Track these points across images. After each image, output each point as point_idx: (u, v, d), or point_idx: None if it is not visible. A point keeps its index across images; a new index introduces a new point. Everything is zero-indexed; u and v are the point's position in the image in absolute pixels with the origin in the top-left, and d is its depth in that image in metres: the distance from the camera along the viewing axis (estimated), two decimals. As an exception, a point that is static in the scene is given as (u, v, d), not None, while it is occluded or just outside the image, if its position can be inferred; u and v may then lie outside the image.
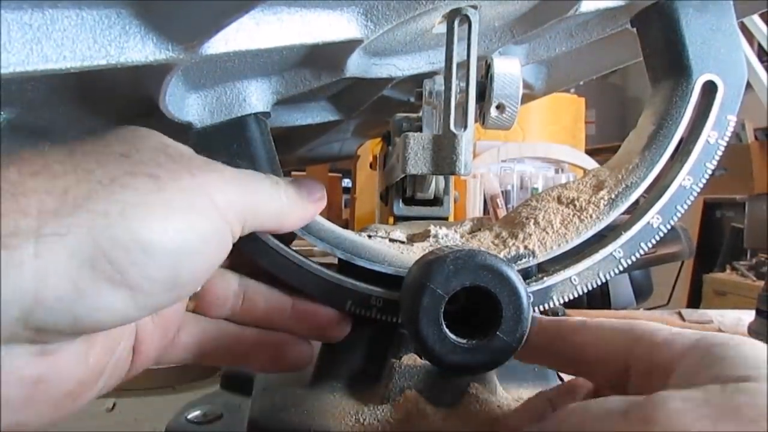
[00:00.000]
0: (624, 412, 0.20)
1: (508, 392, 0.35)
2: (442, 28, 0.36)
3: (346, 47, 0.31)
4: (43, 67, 0.20)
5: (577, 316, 0.31)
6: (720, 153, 0.36)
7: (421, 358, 0.36)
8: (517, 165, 1.04)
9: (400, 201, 0.54)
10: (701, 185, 0.36)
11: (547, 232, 0.37)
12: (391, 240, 0.40)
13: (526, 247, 0.36)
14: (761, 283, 1.25)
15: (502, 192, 0.98)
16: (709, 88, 0.36)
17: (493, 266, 0.30)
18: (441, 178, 0.52)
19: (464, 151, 0.34)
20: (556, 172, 1.07)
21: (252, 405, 0.36)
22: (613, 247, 0.36)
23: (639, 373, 0.25)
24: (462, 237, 0.39)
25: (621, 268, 0.36)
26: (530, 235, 0.37)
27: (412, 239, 0.41)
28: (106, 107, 0.32)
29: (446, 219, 0.53)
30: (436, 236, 0.39)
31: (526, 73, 0.54)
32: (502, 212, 0.91)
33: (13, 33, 0.20)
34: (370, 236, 0.39)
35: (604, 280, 0.36)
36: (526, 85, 0.55)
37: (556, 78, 0.56)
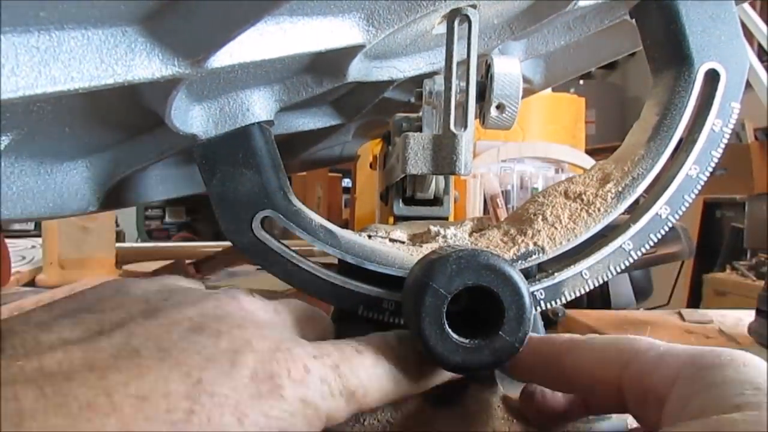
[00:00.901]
0: None
1: (508, 392, 0.35)
2: (442, 29, 0.36)
3: (349, 53, 0.31)
4: (51, 90, 0.20)
5: (565, 334, 0.30)
6: (725, 141, 0.36)
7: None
8: (517, 165, 1.03)
9: (400, 201, 0.54)
10: (707, 174, 0.36)
11: (555, 228, 0.37)
12: (392, 240, 0.40)
13: (535, 244, 0.36)
14: (761, 283, 1.25)
15: (502, 192, 0.98)
16: (712, 77, 0.36)
17: (496, 266, 0.30)
18: (441, 178, 0.52)
19: (464, 150, 0.34)
20: (556, 171, 1.07)
21: None
22: (623, 240, 0.36)
23: (634, 398, 0.24)
24: (470, 236, 0.39)
25: (631, 260, 0.36)
26: (539, 231, 0.37)
27: (420, 239, 0.41)
28: (111, 124, 0.32)
29: (446, 219, 0.53)
30: (444, 236, 0.39)
31: (524, 68, 0.54)
32: (502, 212, 0.91)
33: (21, 57, 0.20)
34: (370, 236, 0.39)
35: (615, 273, 0.36)
36: (525, 80, 0.55)
37: (555, 71, 0.56)
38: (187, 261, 1.04)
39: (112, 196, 0.40)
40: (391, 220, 0.54)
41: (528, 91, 0.57)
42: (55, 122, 0.28)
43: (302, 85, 0.35)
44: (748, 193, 1.70)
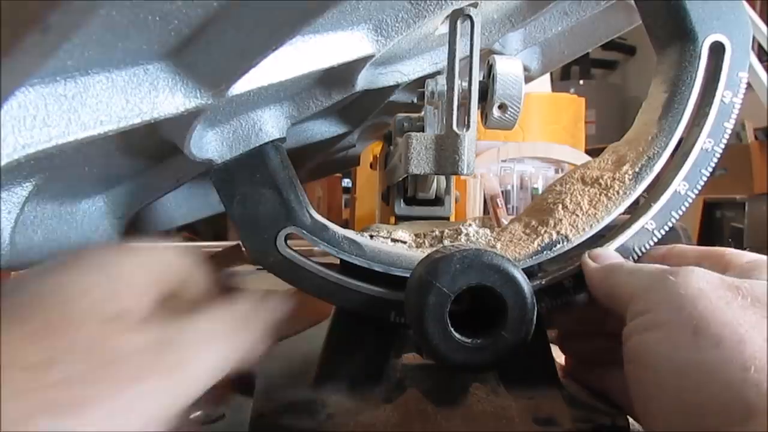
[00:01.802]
0: (662, 271, 0.29)
1: (510, 392, 0.35)
2: (445, 29, 0.36)
3: (358, 64, 0.31)
4: (83, 135, 0.20)
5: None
6: (736, 112, 0.36)
7: (423, 357, 0.36)
8: (517, 165, 1.03)
9: (402, 201, 0.54)
10: (722, 147, 0.36)
11: (577, 215, 0.37)
12: (393, 240, 0.40)
13: (558, 233, 0.36)
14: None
15: (502, 192, 0.98)
16: (717, 49, 0.36)
17: (500, 266, 0.30)
18: (442, 178, 0.52)
19: (467, 150, 0.34)
20: (556, 171, 1.06)
21: (254, 405, 0.36)
22: (645, 220, 0.36)
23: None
24: (493, 231, 0.39)
25: (655, 240, 0.36)
26: (561, 220, 0.37)
27: (439, 240, 0.41)
28: (127, 158, 0.32)
29: (447, 219, 0.53)
30: (467, 234, 0.39)
31: (521, 56, 0.54)
32: (502, 212, 0.91)
33: (50, 107, 0.19)
34: (371, 236, 0.39)
35: (640, 255, 0.36)
36: (524, 68, 0.55)
37: (552, 57, 0.55)
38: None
39: (132, 227, 0.40)
40: (392, 219, 0.54)
41: (526, 78, 0.57)
42: (76, 163, 0.28)
43: (312, 99, 0.35)
44: (748, 193, 1.69)
